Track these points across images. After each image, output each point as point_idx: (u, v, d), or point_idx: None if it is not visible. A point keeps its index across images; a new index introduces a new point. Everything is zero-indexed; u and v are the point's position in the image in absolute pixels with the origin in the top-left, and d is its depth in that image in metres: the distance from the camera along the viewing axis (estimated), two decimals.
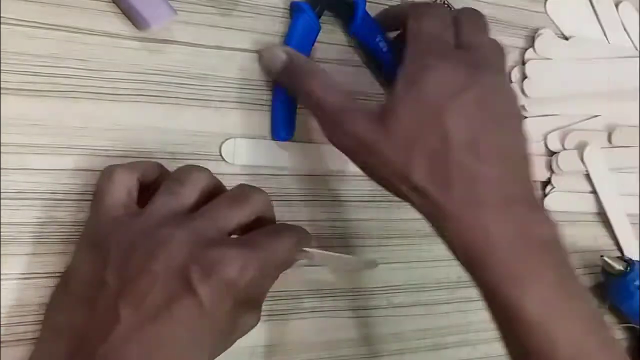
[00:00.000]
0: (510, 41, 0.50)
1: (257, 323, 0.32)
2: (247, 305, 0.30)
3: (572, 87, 0.50)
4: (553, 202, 0.50)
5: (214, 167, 0.39)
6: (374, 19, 0.38)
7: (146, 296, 0.26)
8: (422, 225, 0.45)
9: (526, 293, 0.28)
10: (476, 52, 0.33)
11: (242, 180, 0.39)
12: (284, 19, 0.42)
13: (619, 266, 0.47)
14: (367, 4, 0.40)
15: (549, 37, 0.50)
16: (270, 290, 0.33)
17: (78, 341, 0.27)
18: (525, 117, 0.50)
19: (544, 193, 0.50)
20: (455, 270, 0.46)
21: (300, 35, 0.36)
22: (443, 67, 0.31)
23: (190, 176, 0.32)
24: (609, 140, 0.50)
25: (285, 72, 0.37)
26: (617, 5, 0.53)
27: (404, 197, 0.32)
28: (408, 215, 0.45)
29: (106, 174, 0.32)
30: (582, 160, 0.49)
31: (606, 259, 0.47)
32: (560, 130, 0.50)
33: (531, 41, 0.50)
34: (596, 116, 0.51)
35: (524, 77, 0.49)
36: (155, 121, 0.37)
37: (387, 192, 0.45)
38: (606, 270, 0.48)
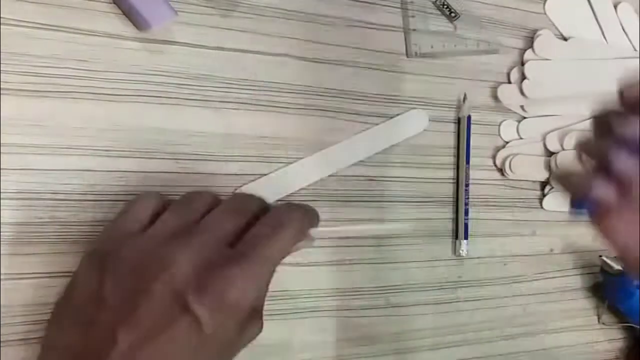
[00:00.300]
0: (510, 42, 0.50)
1: (260, 331, 0.31)
2: (249, 317, 0.30)
3: (571, 87, 0.50)
4: (553, 202, 0.50)
5: (213, 167, 0.39)
6: None
7: (144, 318, 0.26)
8: (422, 225, 0.46)
9: None
10: None
11: (239, 183, 0.40)
12: (283, 20, 0.42)
13: (617, 266, 0.47)
14: None
15: (548, 37, 0.50)
16: (270, 290, 0.33)
17: None
18: (525, 118, 0.50)
19: (543, 193, 0.50)
20: (454, 270, 0.46)
21: None
22: None
23: (198, 196, 0.32)
24: None
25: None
26: (615, 6, 0.53)
27: None
28: (408, 215, 0.45)
29: (139, 195, 0.33)
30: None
31: (605, 259, 0.47)
32: (560, 131, 0.50)
33: (530, 42, 0.50)
34: None
35: (523, 77, 0.49)
36: (155, 121, 0.37)
37: (387, 192, 0.45)
38: (605, 270, 0.48)
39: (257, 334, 0.31)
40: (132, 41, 0.37)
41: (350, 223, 0.42)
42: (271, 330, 0.39)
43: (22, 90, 0.34)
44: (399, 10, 0.46)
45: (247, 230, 0.31)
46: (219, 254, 0.28)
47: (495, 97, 0.49)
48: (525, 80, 0.48)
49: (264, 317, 0.31)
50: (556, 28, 0.52)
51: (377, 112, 0.44)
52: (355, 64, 0.44)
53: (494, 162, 0.49)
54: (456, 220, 0.47)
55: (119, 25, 0.37)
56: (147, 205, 0.31)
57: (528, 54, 0.50)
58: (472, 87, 0.48)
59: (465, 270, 0.46)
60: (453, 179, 0.47)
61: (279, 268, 0.30)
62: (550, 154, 0.50)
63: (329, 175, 0.42)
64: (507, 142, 0.49)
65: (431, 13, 0.48)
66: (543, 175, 0.50)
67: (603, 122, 0.31)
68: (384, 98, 0.45)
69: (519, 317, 0.48)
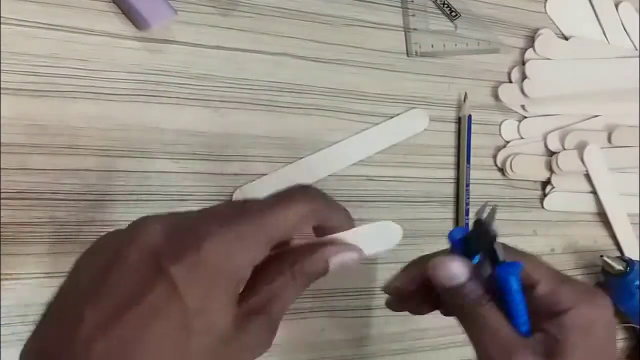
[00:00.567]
0: (510, 41, 0.50)
1: (268, 338, 0.27)
2: (249, 313, 0.26)
3: (572, 87, 0.50)
4: (553, 202, 0.50)
5: (213, 167, 0.39)
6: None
7: (113, 290, 0.23)
8: (422, 225, 0.45)
9: None
10: None
11: (239, 183, 0.40)
12: (283, 19, 0.42)
13: (619, 266, 0.47)
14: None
15: (549, 37, 0.50)
16: None
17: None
18: (526, 117, 0.50)
19: (544, 193, 0.50)
20: None
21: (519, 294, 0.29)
22: None
23: None
24: (609, 140, 0.50)
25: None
26: (617, 6, 0.53)
27: None
28: (408, 215, 0.45)
29: None
30: (582, 160, 0.49)
31: (606, 259, 0.47)
32: (560, 130, 0.50)
33: (531, 41, 0.50)
34: (596, 116, 0.51)
35: (524, 77, 0.49)
36: (155, 121, 0.37)
37: (387, 192, 0.45)
38: (606, 270, 0.48)
39: (264, 341, 0.27)
40: (132, 40, 0.37)
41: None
42: None
43: (22, 90, 0.34)
44: (400, 9, 0.46)
45: None
46: (199, 218, 0.25)
47: (496, 97, 0.49)
48: (526, 80, 0.48)
49: None
50: (557, 27, 0.52)
51: (377, 111, 0.44)
52: (355, 64, 0.44)
53: (495, 162, 0.49)
54: (457, 220, 0.46)
55: (118, 24, 0.37)
56: None
57: (529, 54, 0.50)
58: (472, 86, 0.48)
59: None
60: (454, 178, 0.47)
61: None
62: (551, 153, 0.50)
63: (329, 175, 0.42)
64: (507, 142, 0.49)
65: (432, 12, 0.47)
66: (544, 175, 0.50)
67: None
68: (384, 97, 0.45)
69: None
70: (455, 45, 0.48)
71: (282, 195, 0.27)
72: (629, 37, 0.53)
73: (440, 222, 0.46)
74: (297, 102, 0.42)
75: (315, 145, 0.42)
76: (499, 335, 0.29)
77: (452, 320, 0.29)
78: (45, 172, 0.34)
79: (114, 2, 0.37)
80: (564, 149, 0.49)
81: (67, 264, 0.33)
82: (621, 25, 0.53)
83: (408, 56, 0.46)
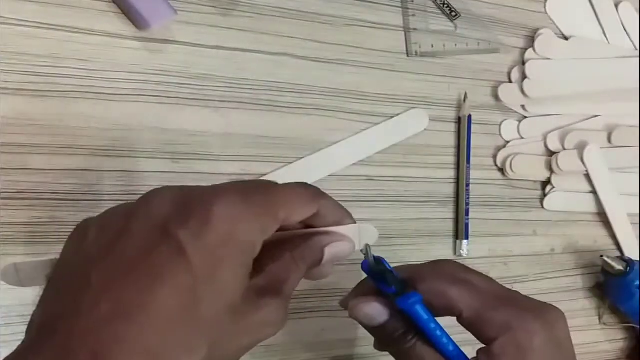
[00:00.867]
0: (510, 41, 0.50)
1: (280, 316, 0.26)
2: (262, 290, 0.26)
3: (572, 87, 0.50)
4: (553, 202, 0.50)
5: (213, 167, 0.39)
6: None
7: (120, 254, 0.22)
8: (422, 225, 0.45)
9: None
10: None
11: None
12: (283, 19, 0.42)
13: (619, 266, 0.47)
14: None
15: (549, 37, 0.50)
16: None
17: (46, 328, 0.22)
18: (526, 117, 0.50)
19: (544, 193, 0.50)
20: None
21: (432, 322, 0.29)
22: None
23: None
24: (609, 140, 0.50)
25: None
26: (617, 6, 0.53)
27: None
28: (408, 215, 0.45)
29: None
30: (582, 160, 0.49)
31: (606, 259, 0.47)
32: (560, 130, 0.50)
33: (531, 41, 0.50)
34: (596, 116, 0.51)
35: (524, 77, 0.49)
36: (155, 121, 0.37)
37: (387, 192, 0.45)
38: (606, 270, 0.48)
39: (279, 320, 0.26)
40: (132, 40, 0.37)
41: None
42: None
43: (22, 90, 0.34)
44: (400, 9, 0.46)
45: None
46: (209, 188, 0.25)
47: (496, 97, 0.49)
48: (526, 80, 0.48)
49: None
50: (557, 27, 0.52)
51: (377, 111, 0.44)
52: (355, 64, 0.44)
53: (495, 162, 0.49)
54: (457, 220, 0.46)
55: (118, 24, 0.37)
56: None
57: (529, 53, 0.50)
58: (472, 86, 0.48)
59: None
60: (454, 178, 0.47)
61: None
62: (551, 153, 0.50)
63: (329, 175, 0.42)
64: (507, 142, 0.49)
65: (432, 12, 0.47)
66: (544, 174, 0.50)
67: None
68: (384, 97, 0.45)
69: None
70: (455, 45, 0.48)
71: (289, 182, 0.27)
72: (629, 37, 0.53)
73: (440, 222, 0.46)
74: (297, 102, 0.42)
75: (315, 145, 0.42)
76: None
77: (451, 321, 0.29)
78: (45, 172, 0.34)
79: (114, 2, 0.37)
80: (564, 149, 0.49)
81: None
82: (621, 25, 0.53)
83: (408, 56, 0.46)
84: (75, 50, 0.36)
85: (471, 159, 0.47)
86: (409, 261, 0.44)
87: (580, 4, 0.52)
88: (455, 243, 0.46)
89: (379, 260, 0.29)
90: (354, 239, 0.30)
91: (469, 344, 0.29)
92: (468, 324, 0.28)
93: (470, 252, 0.46)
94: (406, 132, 0.45)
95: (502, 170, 0.49)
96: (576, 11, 0.52)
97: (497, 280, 0.30)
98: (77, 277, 0.23)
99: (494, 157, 0.49)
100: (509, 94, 0.49)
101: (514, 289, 0.30)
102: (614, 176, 0.50)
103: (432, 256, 0.45)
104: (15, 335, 0.33)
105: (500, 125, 0.49)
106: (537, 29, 0.50)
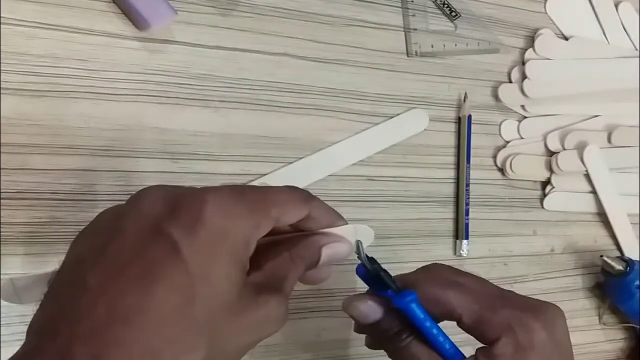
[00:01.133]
0: (511, 41, 0.50)
1: (281, 311, 0.26)
2: (260, 286, 0.25)
3: (572, 87, 0.50)
4: (553, 202, 0.50)
5: (213, 167, 0.39)
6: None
7: (114, 254, 0.22)
8: (422, 225, 0.45)
9: None
10: None
11: (239, 183, 0.40)
12: (283, 19, 0.42)
13: (619, 266, 0.47)
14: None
15: (549, 37, 0.50)
16: None
17: (47, 331, 0.22)
18: (526, 117, 0.50)
19: (544, 193, 0.50)
20: None
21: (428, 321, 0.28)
22: None
23: None
24: (609, 140, 0.50)
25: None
26: (616, 6, 0.53)
27: None
28: (408, 215, 0.45)
29: None
30: (582, 160, 0.49)
31: (606, 259, 0.47)
32: (560, 130, 0.50)
33: (531, 41, 0.50)
34: (596, 116, 0.51)
35: (524, 77, 0.49)
36: (155, 121, 0.37)
37: (387, 192, 0.45)
38: (606, 270, 0.48)
39: (280, 317, 0.26)
40: (132, 40, 0.37)
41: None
42: None
43: (22, 90, 0.34)
44: (400, 9, 0.46)
45: None
46: (200, 188, 0.25)
47: (496, 97, 0.49)
48: (526, 80, 0.48)
49: None
50: (557, 27, 0.52)
51: (377, 111, 0.44)
52: (355, 64, 0.44)
53: (495, 162, 0.49)
54: (457, 220, 0.46)
55: (118, 24, 0.37)
56: None
57: (529, 54, 0.50)
58: (472, 86, 0.48)
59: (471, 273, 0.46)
60: (453, 178, 0.47)
61: None
62: (551, 153, 0.50)
63: (329, 175, 0.42)
64: (507, 142, 0.49)
65: (432, 12, 0.47)
66: (544, 175, 0.50)
67: None
68: (384, 98, 0.45)
69: None
70: (455, 45, 0.48)
71: (278, 185, 0.27)
72: (629, 37, 0.53)
73: (440, 222, 0.46)
74: (297, 102, 0.42)
75: (315, 145, 0.42)
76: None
77: (449, 322, 0.29)
78: (45, 172, 0.34)
79: (114, 2, 0.37)
80: (564, 149, 0.49)
81: None
82: (621, 26, 0.53)
83: (408, 56, 0.46)
84: (75, 50, 0.36)
85: (471, 159, 0.47)
86: (408, 261, 0.45)
87: (580, 4, 0.52)
88: (455, 243, 0.46)
89: (372, 259, 0.29)
90: (350, 239, 0.30)
91: (469, 344, 0.29)
92: (468, 328, 0.29)
93: (470, 252, 0.46)
94: (406, 132, 0.45)
95: (502, 170, 0.49)
96: (576, 11, 0.52)
97: (496, 280, 0.30)
98: (74, 281, 0.22)
99: (494, 157, 0.49)
100: (509, 94, 0.49)
101: (512, 289, 0.30)
102: (614, 176, 0.50)
103: (432, 256, 0.45)
104: (15, 335, 0.33)
105: (500, 125, 0.49)
106: (537, 29, 0.50)
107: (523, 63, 0.49)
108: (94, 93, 0.36)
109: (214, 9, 0.40)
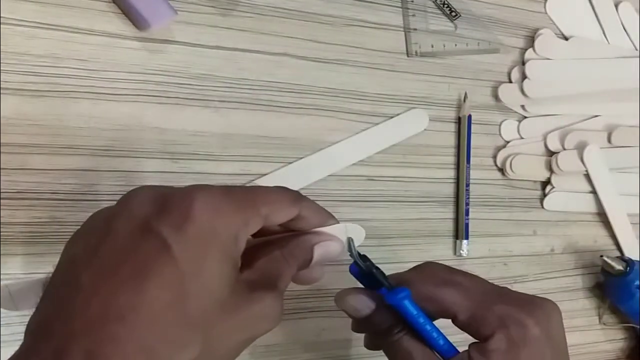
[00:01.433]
0: (511, 41, 0.50)
1: (275, 310, 0.26)
2: (253, 284, 0.25)
3: (572, 87, 0.50)
4: (553, 202, 0.50)
5: (213, 167, 0.39)
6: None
7: (106, 254, 0.22)
8: (422, 225, 0.45)
9: None
10: None
11: (238, 183, 0.40)
12: (283, 19, 0.42)
13: (618, 266, 0.47)
14: None
15: (549, 37, 0.50)
16: None
17: (42, 331, 0.22)
18: (526, 117, 0.50)
19: (544, 193, 0.50)
20: None
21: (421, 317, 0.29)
22: None
23: None
24: (609, 140, 0.50)
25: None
26: (616, 6, 0.53)
27: None
28: (408, 215, 0.45)
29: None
30: (582, 160, 0.49)
31: (606, 259, 0.47)
32: (560, 130, 0.50)
33: (531, 41, 0.50)
34: (596, 116, 0.51)
35: (524, 77, 0.49)
36: (155, 121, 0.37)
37: (387, 192, 0.45)
38: (606, 270, 0.48)
39: (276, 314, 0.26)
40: (132, 40, 0.37)
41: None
42: (271, 330, 0.39)
43: (22, 90, 0.34)
44: (400, 9, 0.46)
45: None
46: (189, 186, 0.25)
47: (495, 97, 0.49)
48: (526, 80, 0.48)
49: None
50: (557, 27, 0.52)
51: (377, 111, 0.44)
52: (355, 64, 0.44)
53: (495, 162, 0.49)
54: (457, 220, 0.46)
55: (118, 24, 0.37)
56: None
57: (529, 54, 0.50)
58: (472, 86, 0.48)
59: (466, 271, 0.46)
60: (453, 178, 0.47)
61: None
62: (551, 153, 0.50)
63: (329, 175, 0.42)
64: (507, 142, 0.49)
65: (432, 12, 0.47)
66: (544, 175, 0.50)
67: None
68: (384, 98, 0.45)
69: None
70: (455, 45, 0.48)
71: (268, 186, 0.27)
72: (629, 37, 0.53)
73: (440, 222, 0.46)
74: (297, 102, 0.42)
75: (315, 145, 0.42)
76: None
77: (449, 321, 0.29)
78: (45, 172, 0.34)
79: (114, 2, 0.37)
80: (564, 149, 0.49)
81: None
82: (621, 25, 0.53)
83: (408, 56, 0.46)
84: (75, 50, 0.36)
85: (471, 159, 0.47)
86: (408, 261, 0.44)
87: (580, 4, 0.52)
88: (455, 243, 0.46)
89: (364, 257, 0.29)
90: (342, 238, 0.30)
91: (467, 345, 0.29)
92: (463, 325, 0.29)
93: (470, 252, 0.46)
94: (406, 132, 0.45)
95: (502, 170, 0.49)
96: (576, 11, 0.52)
97: (496, 280, 0.30)
98: (68, 281, 0.23)
99: (494, 157, 0.49)
100: (509, 94, 0.49)
101: (511, 289, 0.30)
102: (614, 176, 0.50)
103: (432, 256, 0.45)
104: (15, 335, 0.33)
105: (500, 125, 0.49)
106: (537, 29, 0.50)
107: (523, 63, 0.49)
108: (94, 93, 0.36)
109: (214, 9, 0.40)
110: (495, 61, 0.49)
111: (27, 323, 0.23)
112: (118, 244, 0.23)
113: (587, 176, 0.50)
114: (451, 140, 0.47)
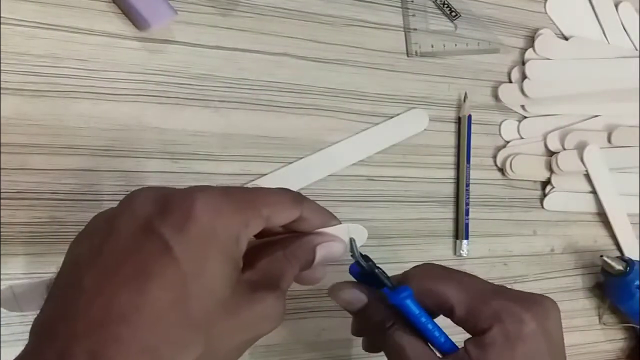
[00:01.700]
0: (511, 41, 0.50)
1: (278, 309, 0.26)
2: (255, 284, 0.25)
3: (572, 87, 0.50)
4: (553, 202, 0.50)
5: (213, 167, 0.39)
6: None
7: (108, 256, 0.23)
8: (422, 225, 0.45)
9: None
10: None
11: (238, 183, 0.40)
12: (283, 19, 0.42)
13: (618, 266, 0.47)
14: None
15: (549, 37, 0.50)
16: None
17: (46, 332, 0.22)
18: (526, 117, 0.50)
19: (544, 193, 0.50)
20: None
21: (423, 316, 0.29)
22: None
23: None
24: (609, 140, 0.50)
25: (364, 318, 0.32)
26: (616, 6, 0.53)
27: None
28: (408, 215, 0.45)
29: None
30: (582, 160, 0.49)
31: (606, 259, 0.47)
32: (560, 130, 0.50)
33: (531, 41, 0.50)
34: (596, 116, 0.51)
35: (524, 77, 0.49)
36: (155, 121, 0.37)
37: (387, 192, 0.45)
38: (606, 270, 0.48)
39: (278, 314, 0.26)
40: (132, 40, 0.37)
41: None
42: (272, 330, 0.39)
43: (22, 90, 0.34)
44: (400, 9, 0.46)
45: None
46: (190, 187, 0.25)
47: (496, 97, 0.49)
48: (526, 80, 0.48)
49: None
50: (557, 27, 0.52)
51: (377, 111, 0.44)
52: (355, 64, 0.44)
53: (495, 162, 0.49)
54: (457, 220, 0.46)
55: (118, 24, 0.37)
56: None
57: (529, 54, 0.50)
58: (472, 86, 0.48)
59: (466, 271, 0.46)
60: (453, 178, 0.47)
61: None
62: (551, 153, 0.50)
63: (329, 175, 0.42)
64: (507, 142, 0.49)
65: (432, 12, 0.47)
66: (544, 175, 0.50)
67: None
68: (384, 97, 0.45)
69: None
70: (455, 45, 0.48)
71: (269, 187, 0.27)
72: (629, 37, 0.53)
73: (440, 222, 0.46)
74: (297, 102, 0.42)
75: (315, 145, 0.42)
76: (404, 355, 0.29)
77: (449, 321, 0.29)
78: (45, 172, 0.34)
79: (114, 2, 0.37)
80: (564, 149, 0.49)
81: None
82: (621, 25, 0.53)
83: (408, 56, 0.46)
84: (75, 50, 0.36)
85: (471, 159, 0.47)
86: (408, 261, 0.44)
87: (580, 4, 0.52)
88: (455, 243, 0.46)
89: (366, 257, 0.29)
90: (344, 239, 0.30)
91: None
92: (459, 320, 0.29)
93: (470, 252, 0.46)
94: (406, 132, 0.45)
95: (502, 170, 0.49)
96: (576, 11, 0.52)
97: (496, 280, 0.31)
98: (72, 282, 0.23)
99: (494, 157, 0.49)
100: (509, 94, 0.49)
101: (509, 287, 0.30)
102: (614, 176, 0.50)
103: (432, 256, 0.45)
104: (15, 335, 0.33)
105: (500, 125, 0.49)
106: (537, 29, 0.50)
107: (523, 63, 0.49)
108: (94, 93, 0.36)
109: (214, 9, 0.40)
110: (495, 61, 0.49)
111: (31, 324, 0.23)
112: (120, 245, 0.23)
113: (587, 176, 0.50)
114: (451, 140, 0.47)
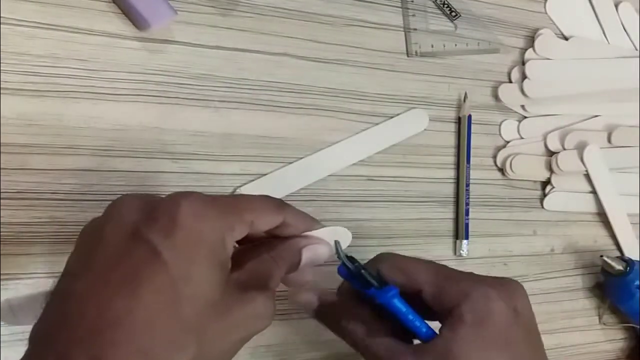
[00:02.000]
0: (511, 41, 0.50)
1: (268, 311, 0.26)
2: (244, 285, 0.26)
3: (572, 87, 0.50)
4: (553, 202, 0.50)
5: (213, 167, 0.39)
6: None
7: (98, 264, 0.23)
8: (422, 225, 0.45)
9: None
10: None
11: (238, 183, 0.40)
12: (283, 19, 0.42)
13: (618, 266, 0.47)
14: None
15: (549, 37, 0.50)
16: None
17: (46, 338, 0.23)
18: (526, 117, 0.50)
19: (544, 193, 0.50)
20: None
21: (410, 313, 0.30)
22: None
23: None
24: (609, 140, 0.50)
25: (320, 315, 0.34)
26: (616, 6, 0.53)
27: None
28: (408, 215, 0.45)
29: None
30: (582, 160, 0.49)
31: (606, 259, 0.47)
32: (560, 130, 0.50)
33: (531, 41, 0.50)
34: (596, 116, 0.51)
35: (524, 77, 0.49)
36: (155, 121, 0.37)
37: (387, 192, 0.45)
38: (606, 270, 0.48)
39: (268, 313, 0.26)
40: (132, 40, 0.37)
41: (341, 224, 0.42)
42: (271, 330, 0.39)
43: (22, 90, 0.34)
44: (400, 9, 0.46)
45: None
46: (174, 193, 0.26)
47: (496, 97, 0.49)
48: (526, 80, 0.48)
49: None
50: (557, 27, 0.52)
51: (377, 111, 0.44)
52: (355, 64, 0.44)
53: (495, 162, 0.49)
54: (457, 220, 0.46)
55: (118, 24, 0.37)
56: None
57: (529, 54, 0.50)
58: (472, 86, 0.48)
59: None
60: (453, 178, 0.47)
61: None
62: (551, 153, 0.50)
63: (329, 175, 0.42)
64: (507, 142, 0.49)
65: (432, 12, 0.47)
66: (544, 175, 0.50)
67: None
68: (384, 98, 0.45)
69: None
70: (455, 45, 0.48)
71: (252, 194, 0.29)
72: (629, 37, 0.53)
73: (440, 222, 0.46)
74: (297, 102, 0.42)
75: (315, 145, 0.42)
76: (377, 347, 0.30)
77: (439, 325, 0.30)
78: (45, 172, 0.34)
79: (114, 2, 0.37)
80: (564, 149, 0.49)
81: None
82: (621, 26, 0.53)
83: (408, 56, 0.46)
84: (75, 50, 0.36)
85: (471, 159, 0.47)
86: None
87: (580, 4, 0.52)
88: (455, 243, 0.46)
89: (352, 258, 0.30)
90: (329, 241, 0.31)
91: None
92: (429, 298, 0.30)
93: (470, 252, 0.46)
94: (406, 132, 0.45)
95: (502, 170, 0.49)
96: (576, 11, 0.52)
97: None
98: (67, 291, 0.24)
99: (494, 157, 0.49)
100: (509, 94, 0.49)
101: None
102: (614, 176, 0.51)
103: (432, 256, 0.45)
104: (15, 335, 0.33)
105: (500, 125, 0.49)
106: (537, 29, 0.51)
107: (523, 63, 0.49)
108: (94, 93, 0.36)
109: (214, 9, 0.40)
110: (495, 61, 0.49)
111: (29, 333, 0.24)
112: (110, 252, 0.24)
113: (587, 176, 0.50)
114: (451, 140, 0.47)
